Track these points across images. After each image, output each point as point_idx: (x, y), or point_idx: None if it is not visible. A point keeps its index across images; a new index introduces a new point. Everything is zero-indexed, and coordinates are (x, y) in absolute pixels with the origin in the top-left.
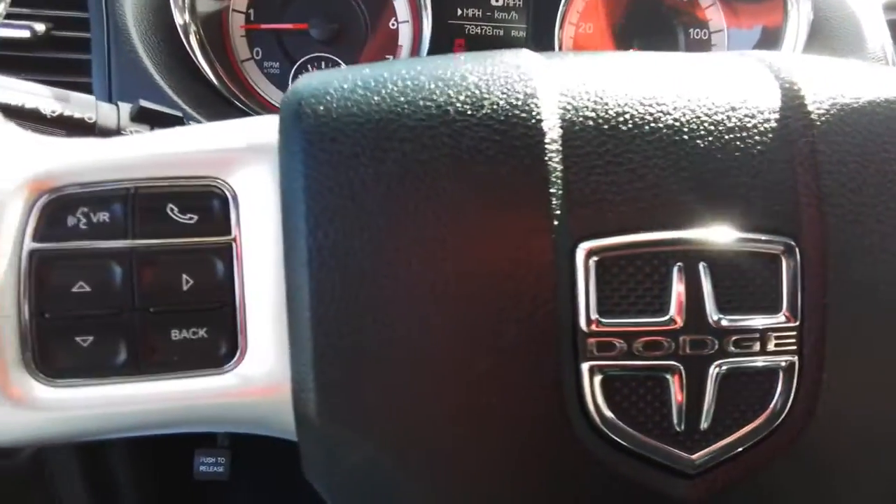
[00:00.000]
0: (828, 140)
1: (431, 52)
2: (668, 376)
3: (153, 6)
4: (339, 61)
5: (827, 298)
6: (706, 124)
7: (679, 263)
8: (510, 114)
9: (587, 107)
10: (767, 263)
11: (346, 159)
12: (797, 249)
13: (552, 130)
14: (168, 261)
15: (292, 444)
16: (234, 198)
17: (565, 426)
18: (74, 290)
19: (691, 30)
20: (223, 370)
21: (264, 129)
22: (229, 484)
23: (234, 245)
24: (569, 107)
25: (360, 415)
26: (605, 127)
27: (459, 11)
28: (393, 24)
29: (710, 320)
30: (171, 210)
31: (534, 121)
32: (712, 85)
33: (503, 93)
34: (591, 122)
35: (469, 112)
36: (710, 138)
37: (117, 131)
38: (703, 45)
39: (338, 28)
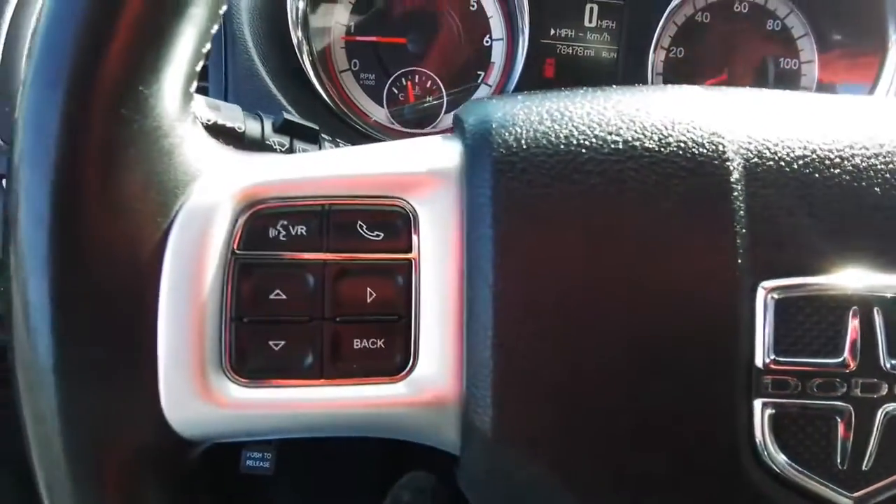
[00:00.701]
0: None
1: (524, 71)
2: (838, 417)
3: (268, 17)
4: (433, 75)
5: None
6: (883, 172)
7: (854, 307)
8: (696, 152)
9: (770, 148)
10: None
11: (535, 189)
12: None
13: (737, 170)
14: (356, 274)
15: (335, 442)
16: (416, 218)
17: (733, 457)
18: (272, 296)
19: (781, 59)
20: (396, 379)
21: (445, 153)
22: (273, 478)
23: (413, 262)
24: (753, 147)
25: (531, 435)
26: (788, 169)
27: (553, 31)
28: (487, 42)
29: (882, 364)
30: (361, 227)
31: (719, 160)
32: (886, 132)
33: (688, 130)
34: (774, 164)
35: (656, 148)
36: (888, 186)
37: (262, 141)
38: (793, 76)
39: (434, 44)
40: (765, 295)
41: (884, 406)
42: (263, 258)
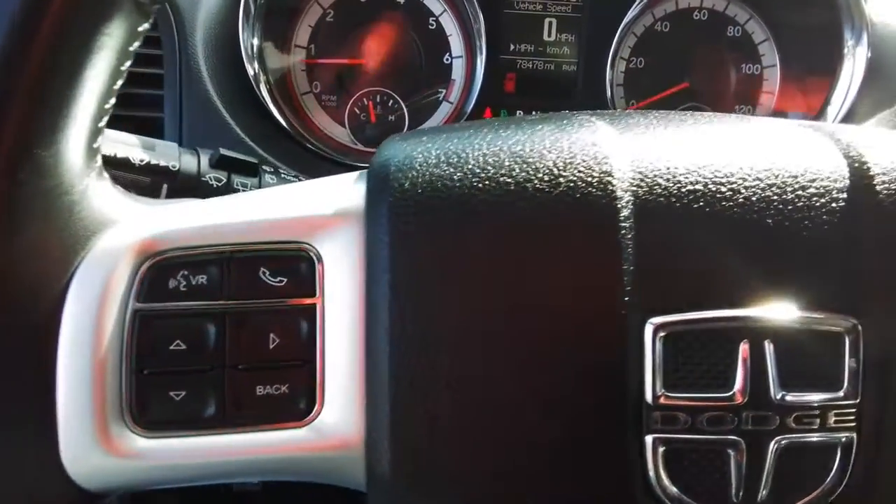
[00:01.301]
0: (894, 221)
1: (484, 86)
2: (730, 450)
3: (224, 50)
4: (394, 94)
5: (888, 377)
6: (775, 203)
7: (745, 340)
8: (586, 191)
9: (660, 184)
10: (830, 342)
11: (430, 233)
12: (860, 328)
13: (626, 207)
14: (258, 321)
15: None
16: (321, 261)
17: (627, 494)
18: (172, 347)
19: (743, 65)
20: (300, 424)
21: (350, 194)
22: (261, 496)
23: (317, 306)
24: (642, 184)
25: (430, 477)
26: (678, 205)
27: (512, 47)
28: (447, 59)
29: (773, 396)
30: (263, 273)
31: (608, 198)
32: (781, 162)
33: (579, 171)
34: (663, 199)
35: (547, 189)
36: (779, 217)
37: (198, 177)
38: (755, 81)
39: (393, 64)
40: (653, 330)
41: (776, 438)
42: (163, 309)
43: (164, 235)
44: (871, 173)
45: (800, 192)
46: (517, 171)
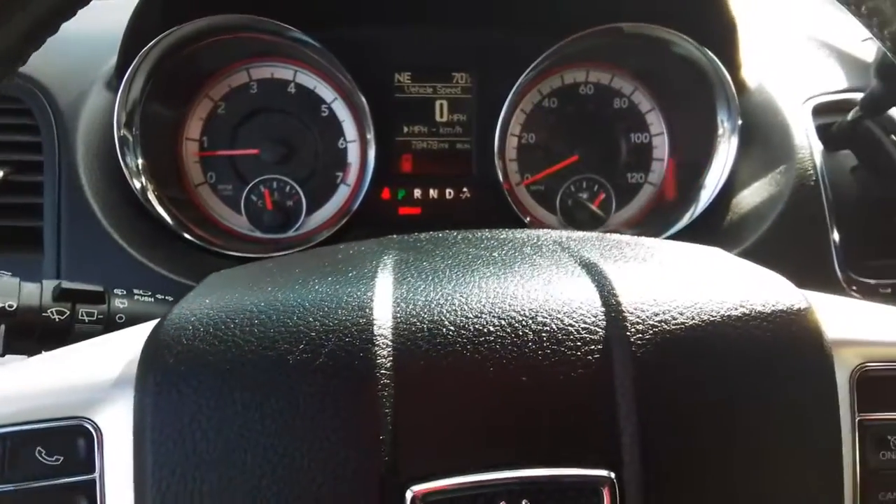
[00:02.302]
0: (646, 366)
1: (379, 168)
2: None
3: (105, 149)
4: (291, 182)
5: None
6: (528, 355)
7: (503, 502)
8: (345, 362)
9: (417, 354)
10: (588, 495)
11: (190, 408)
12: (617, 480)
13: (384, 377)
14: (35, 502)
15: None
16: (99, 433)
17: None
18: None
19: (632, 135)
20: None
21: (127, 361)
22: None
23: (96, 481)
24: (399, 354)
25: None
26: (436, 375)
27: (406, 129)
28: (342, 144)
29: None
30: (40, 453)
31: (368, 368)
32: (532, 302)
33: (340, 340)
34: (421, 370)
35: (307, 360)
36: (534, 372)
37: (39, 311)
38: (645, 149)
39: (287, 151)
40: (412, 499)
41: None
42: None
43: None
44: (625, 321)
45: (555, 346)
46: (280, 342)
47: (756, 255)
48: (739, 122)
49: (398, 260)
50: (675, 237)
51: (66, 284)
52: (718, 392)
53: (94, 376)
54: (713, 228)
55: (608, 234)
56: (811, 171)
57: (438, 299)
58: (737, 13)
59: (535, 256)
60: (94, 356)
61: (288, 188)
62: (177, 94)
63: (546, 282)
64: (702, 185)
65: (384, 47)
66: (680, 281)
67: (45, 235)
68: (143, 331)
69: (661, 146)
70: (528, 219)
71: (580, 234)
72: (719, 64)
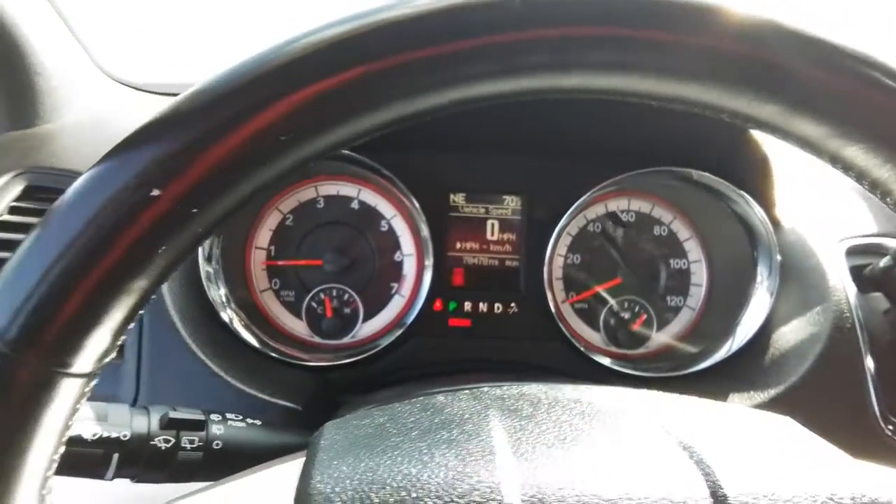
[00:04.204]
0: None
1: (435, 279)
2: None
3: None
4: (350, 290)
5: None
6: None
7: None
8: None
9: None
10: None
11: None
12: None
13: None
14: None
15: None
16: None
17: None
18: None
19: (671, 260)
20: None
21: None
22: None
23: None
24: None
25: None
26: None
27: (459, 245)
28: (398, 257)
29: None
30: None
31: None
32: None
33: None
34: None
35: None
36: None
37: (147, 439)
38: (684, 275)
39: (348, 263)
40: None
41: None
42: None
43: None
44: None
45: None
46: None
47: (800, 393)
48: (779, 258)
49: (507, 428)
50: (714, 368)
51: (172, 414)
52: None
53: None
54: (753, 362)
55: (699, 404)
56: (847, 314)
57: (562, 485)
58: (770, 152)
59: (634, 434)
60: None
61: (346, 296)
62: (251, 209)
63: (652, 468)
64: (739, 320)
65: (440, 171)
66: (779, 471)
67: (127, 345)
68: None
69: (700, 272)
70: (572, 336)
71: (669, 402)
72: (764, 217)
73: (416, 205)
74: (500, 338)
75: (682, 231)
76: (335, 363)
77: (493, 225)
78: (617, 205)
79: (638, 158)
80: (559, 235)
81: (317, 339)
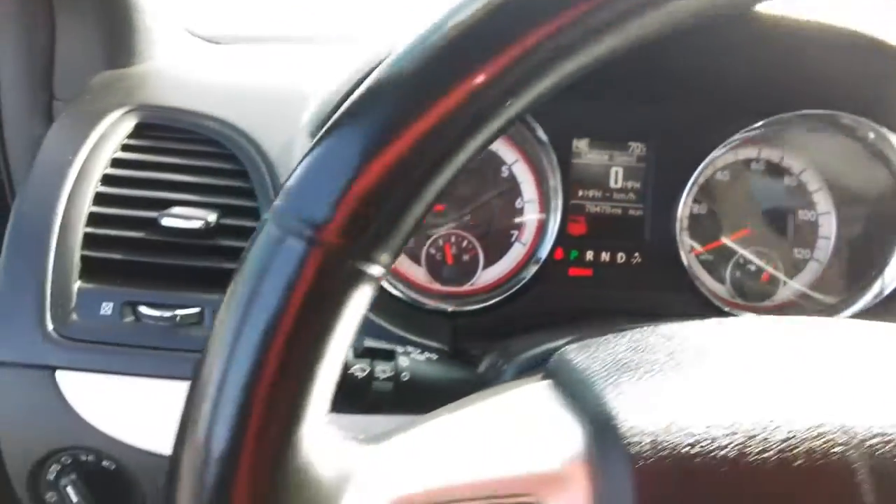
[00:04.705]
0: None
1: (560, 229)
2: None
3: None
4: (470, 237)
5: None
6: None
7: None
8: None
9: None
10: None
11: (676, 484)
12: None
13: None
14: None
15: None
16: None
17: None
18: None
19: (799, 212)
20: None
21: (568, 441)
22: None
23: None
24: (879, 450)
25: None
26: None
27: (581, 192)
28: (519, 204)
29: None
30: None
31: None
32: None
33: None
34: None
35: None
36: None
37: (345, 368)
38: (811, 227)
39: (469, 209)
40: None
41: None
42: None
43: (415, 494)
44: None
45: None
46: (752, 446)
47: None
48: None
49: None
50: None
51: (367, 343)
52: None
53: (541, 463)
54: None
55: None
56: None
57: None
58: None
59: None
60: (533, 443)
61: (465, 243)
62: None
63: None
64: (883, 270)
65: (563, 116)
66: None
67: None
68: (563, 413)
69: (828, 224)
70: (699, 287)
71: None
72: None
73: (540, 151)
74: (623, 288)
75: (812, 182)
76: (458, 309)
77: (616, 172)
78: (746, 153)
79: (773, 104)
80: (692, 185)
81: (436, 286)
